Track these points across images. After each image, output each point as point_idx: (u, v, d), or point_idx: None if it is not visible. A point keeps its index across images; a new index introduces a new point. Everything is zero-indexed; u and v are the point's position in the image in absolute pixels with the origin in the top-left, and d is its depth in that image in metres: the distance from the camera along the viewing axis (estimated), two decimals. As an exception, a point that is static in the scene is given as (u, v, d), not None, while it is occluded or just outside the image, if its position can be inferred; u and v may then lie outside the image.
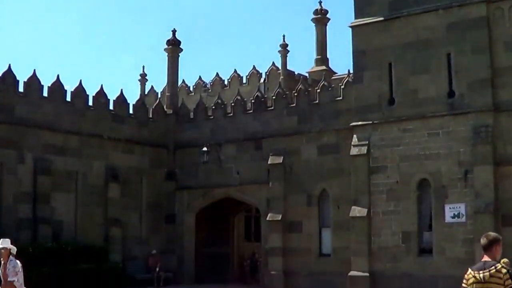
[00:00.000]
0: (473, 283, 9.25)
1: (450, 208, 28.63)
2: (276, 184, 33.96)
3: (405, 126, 30.07)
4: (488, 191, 27.82)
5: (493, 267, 9.16)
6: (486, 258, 9.35)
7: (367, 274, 30.08)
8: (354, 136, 31.28)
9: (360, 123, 31.19)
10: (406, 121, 30.05)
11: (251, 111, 36.01)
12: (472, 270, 9.33)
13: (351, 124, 31.45)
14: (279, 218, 33.51)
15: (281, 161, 33.90)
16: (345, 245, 31.20)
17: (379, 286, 29.68)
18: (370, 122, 30.95)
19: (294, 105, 34.26)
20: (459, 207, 28.44)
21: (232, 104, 36.86)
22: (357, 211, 30.58)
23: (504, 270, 9.06)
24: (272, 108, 35.13)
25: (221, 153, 36.43)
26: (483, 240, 9.44)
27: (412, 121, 29.89)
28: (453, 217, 28.53)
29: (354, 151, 31.09)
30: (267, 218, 34.14)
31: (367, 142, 30.83)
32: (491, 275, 9.11)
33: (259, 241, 37.71)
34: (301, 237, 33.26)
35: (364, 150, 30.79)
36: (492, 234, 9.66)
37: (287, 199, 33.71)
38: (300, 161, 33.59)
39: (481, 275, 9.17)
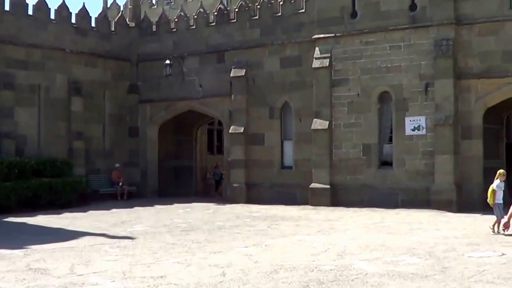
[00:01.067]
0: None
1: (410, 120, 28.94)
2: (239, 96, 33.97)
3: (367, 39, 30.10)
4: (448, 104, 28.10)
5: None
6: None
7: (328, 186, 30.49)
8: (316, 48, 31.26)
9: (322, 35, 31.13)
10: (368, 34, 30.06)
11: (214, 23, 35.69)
12: None
13: (314, 37, 31.38)
14: (242, 131, 33.67)
15: (243, 74, 33.82)
16: (306, 157, 31.51)
17: (340, 198, 30.10)
18: (332, 34, 30.90)
19: (256, 17, 34.01)
20: (419, 119, 28.75)
21: (195, 17, 36.48)
22: (319, 123, 30.80)
23: None
24: (235, 20, 34.85)
25: (183, 66, 36.28)
26: None
27: (374, 34, 29.91)
28: (413, 130, 28.86)
29: (316, 63, 31.11)
30: (230, 131, 34.28)
31: (329, 54, 30.85)
32: None
33: (222, 153, 37.92)
34: (263, 150, 33.49)
35: (326, 62, 30.83)
36: None
37: (250, 111, 33.78)
38: (262, 74, 33.55)
39: None
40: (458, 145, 28.19)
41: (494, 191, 19.19)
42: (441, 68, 28.24)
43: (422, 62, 28.81)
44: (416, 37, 29.03)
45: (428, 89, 28.53)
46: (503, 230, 19.12)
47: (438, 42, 28.40)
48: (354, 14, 30.56)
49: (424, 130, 28.72)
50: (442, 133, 28.06)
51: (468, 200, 27.74)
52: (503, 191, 19.90)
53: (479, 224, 22.88)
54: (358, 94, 30.17)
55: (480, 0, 28.10)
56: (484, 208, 26.94)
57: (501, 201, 19.54)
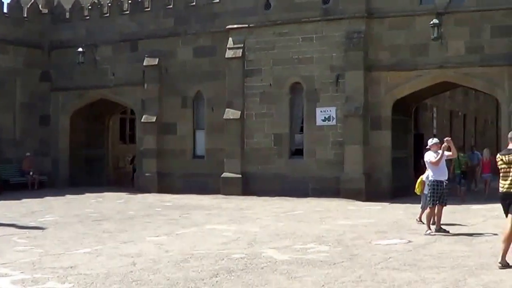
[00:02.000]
0: (501, 164, 12.67)
1: (321, 111, 29.35)
2: (151, 85, 33.87)
3: (280, 30, 30.36)
4: (358, 96, 28.60)
5: None
6: (510, 146, 12.80)
7: (239, 175, 30.71)
8: (230, 39, 31.39)
9: (236, 26, 31.25)
10: (281, 25, 30.31)
11: (128, 12, 35.38)
12: (500, 154, 12.91)
13: (227, 27, 31.47)
14: (154, 120, 33.59)
15: (156, 63, 33.71)
16: (218, 147, 31.61)
17: (251, 187, 30.34)
18: (246, 25, 31.06)
19: (171, 6, 33.87)
20: (330, 110, 29.19)
21: (109, 5, 36.09)
22: (231, 113, 30.97)
23: None
24: (149, 9, 34.64)
25: (96, 54, 35.94)
26: (510, 134, 13.09)
27: (287, 26, 30.18)
28: (324, 120, 29.29)
29: (229, 53, 31.25)
30: (142, 120, 34.18)
31: (242, 45, 31.02)
32: None
33: (134, 142, 37.76)
34: (175, 139, 33.48)
35: (239, 53, 31.00)
36: None
37: (162, 101, 33.72)
38: (176, 63, 33.49)
39: (507, 158, 12.58)
40: (368, 135, 28.73)
41: (423, 182, 19.31)
42: (352, 60, 28.71)
43: (334, 54, 29.24)
44: (328, 29, 29.43)
45: (339, 80, 28.98)
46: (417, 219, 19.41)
47: (350, 35, 28.85)
48: (267, 5, 30.75)
49: (335, 120, 29.17)
50: (352, 124, 28.55)
51: (377, 189, 28.30)
52: None
53: (387, 212, 23.48)
54: (270, 84, 30.44)
55: (391, -6, 28.69)
56: (392, 196, 27.69)
57: None
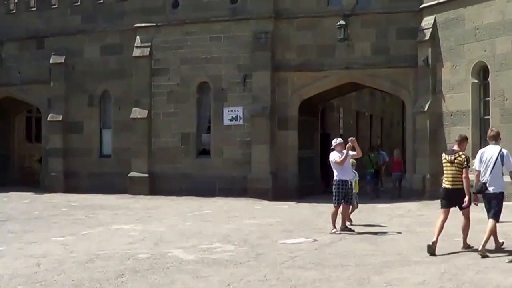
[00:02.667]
0: (445, 162, 14.33)
1: (228, 111, 29.44)
2: (58, 84, 33.36)
3: (188, 30, 30.32)
4: (265, 95, 28.80)
5: (457, 154, 14.19)
6: (455, 147, 14.41)
7: (146, 174, 30.56)
8: (138, 37, 31.19)
9: (143, 24, 31.07)
10: (189, 24, 30.26)
11: (35, 8, 34.74)
12: (444, 154, 14.62)
13: (135, 25, 31.25)
14: (60, 119, 33.12)
15: (63, 61, 33.23)
16: (125, 146, 31.36)
17: (159, 187, 30.19)
18: (154, 24, 30.91)
19: (78, 4, 33.39)
20: (237, 110, 29.30)
21: (15, 1, 35.38)
22: (138, 112, 30.78)
23: (463, 156, 14.09)
24: (56, 6, 34.04)
25: (2, 51, 35.30)
26: (457, 137, 14.80)
27: (195, 25, 30.15)
28: (231, 120, 29.38)
29: (136, 52, 31.05)
30: (48, 119, 33.64)
31: (150, 44, 30.86)
32: (455, 158, 14.11)
33: (40, 142, 37.12)
34: (82, 138, 33.08)
35: (146, 51, 30.83)
36: (464, 134, 15.27)
37: (69, 99, 33.28)
38: (82, 61, 33.08)
39: (449, 157, 14.25)
40: (275, 135, 28.96)
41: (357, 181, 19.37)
42: (259, 60, 28.89)
43: (241, 54, 29.36)
44: (236, 29, 29.54)
45: (246, 80, 29.12)
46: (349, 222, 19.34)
47: (257, 35, 29.02)
48: (175, 4, 30.66)
49: (242, 120, 29.29)
50: (259, 124, 28.73)
51: (284, 189, 28.53)
52: (357, 180, 19.82)
53: (293, 212, 23.67)
54: (178, 84, 30.37)
55: (298, -5, 28.97)
56: (299, 196, 27.96)
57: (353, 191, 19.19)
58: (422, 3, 26.97)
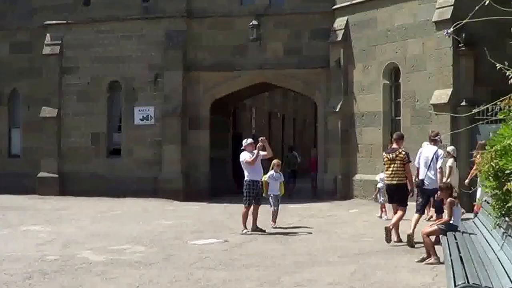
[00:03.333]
0: (386, 160, 15.60)
1: (139, 110, 29.22)
2: (-36, 82, 32.59)
3: (100, 28, 29.93)
4: (176, 95, 28.69)
5: (397, 151, 15.48)
6: (395, 145, 15.80)
7: (56, 175, 30.04)
8: (48, 35, 30.63)
9: (54, 22, 30.53)
10: (100, 22, 29.86)
11: None
12: (385, 153, 16.17)
13: (45, 23, 30.68)
14: (-33, 118, 32.36)
15: (-30, 58, 32.50)
16: (35, 146, 30.77)
17: (69, 187, 29.71)
18: (65, 21, 30.42)
19: (-14, 0, 32.75)
20: (148, 109, 29.11)
21: None
22: (48, 111, 30.22)
23: (403, 152, 15.44)
24: (-37, 2, 33.31)
25: None
26: (395, 135, 16.31)
27: (107, 23, 29.77)
28: (142, 120, 29.17)
29: (46, 50, 30.50)
30: (-45, 117, 32.81)
31: (60, 41, 30.37)
32: (396, 155, 15.39)
33: None
34: (-11, 137, 32.36)
35: (56, 49, 30.33)
36: (400, 132, 17.22)
37: (-24, 98, 32.52)
38: (-10, 59, 32.41)
39: (390, 155, 15.51)
40: (186, 135, 28.86)
41: (266, 183, 18.86)
42: (171, 60, 28.75)
43: (153, 53, 29.16)
44: (148, 28, 29.33)
45: (158, 79, 28.95)
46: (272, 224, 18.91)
47: (169, 34, 28.87)
48: (87, 2, 30.24)
49: (153, 120, 29.11)
50: (170, 124, 28.60)
51: (195, 189, 28.45)
52: (282, 182, 19.44)
53: (205, 212, 23.64)
54: (88, 83, 29.98)
55: (211, -5, 28.93)
56: (211, 196, 27.93)
57: (278, 192, 19.10)
58: (334, 4, 27.24)
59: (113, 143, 30.34)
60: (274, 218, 19.02)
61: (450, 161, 18.68)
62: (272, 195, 18.90)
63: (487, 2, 6.81)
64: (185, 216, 22.12)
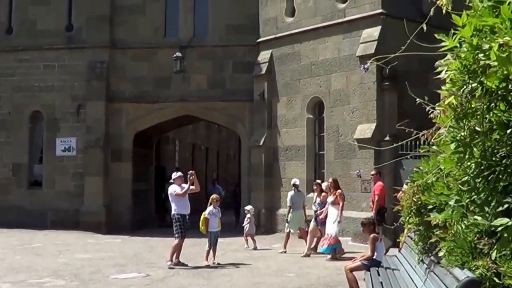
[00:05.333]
0: None
1: (61, 141, 28.80)
2: None
3: (21, 57, 29.47)
4: (99, 126, 28.38)
5: None
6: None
7: (-26, 207, 29.37)
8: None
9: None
10: (22, 51, 29.42)
11: None
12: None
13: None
14: None
15: None
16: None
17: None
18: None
19: None
20: (70, 140, 28.71)
21: None
22: (-33, 141, 29.62)
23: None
24: None
25: None
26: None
27: (29, 52, 29.34)
28: (64, 151, 28.75)
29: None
30: None
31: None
32: None
33: None
34: None
35: (-21, 79, 29.77)
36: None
37: None
38: None
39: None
40: (108, 167, 28.53)
41: (206, 219, 18.31)
42: (94, 90, 28.47)
43: (76, 83, 28.82)
44: (71, 58, 29.02)
45: (80, 110, 28.63)
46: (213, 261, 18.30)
47: (92, 64, 28.63)
48: (9, 30, 29.87)
49: (75, 151, 28.72)
50: (92, 155, 28.24)
51: (117, 222, 28.08)
52: (219, 217, 18.75)
53: (127, 245, 23.31)
54: (10, 112, 29.46)
55: (135, 26, 28.75)
56: (133, 229, 27.61)
57: (218, 229, 18.53)
58: (259, 37, 27.39)
59: (35, 174, 29.80)
60: (213, 254, 18.29)
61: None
62: (211, 232, 18.32)
63: (408, 40, 6.87)
64: (106, 250, 21.79)
